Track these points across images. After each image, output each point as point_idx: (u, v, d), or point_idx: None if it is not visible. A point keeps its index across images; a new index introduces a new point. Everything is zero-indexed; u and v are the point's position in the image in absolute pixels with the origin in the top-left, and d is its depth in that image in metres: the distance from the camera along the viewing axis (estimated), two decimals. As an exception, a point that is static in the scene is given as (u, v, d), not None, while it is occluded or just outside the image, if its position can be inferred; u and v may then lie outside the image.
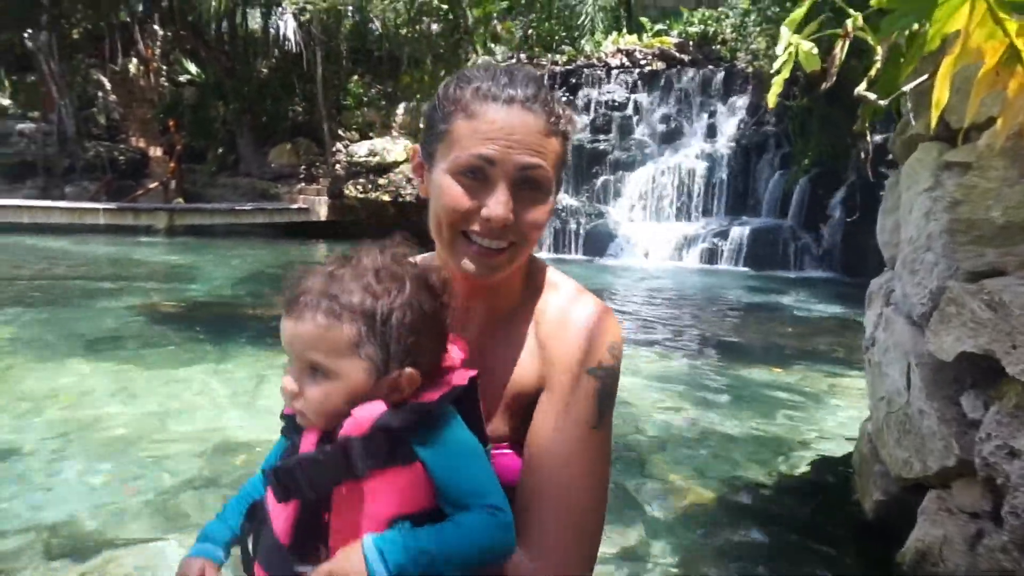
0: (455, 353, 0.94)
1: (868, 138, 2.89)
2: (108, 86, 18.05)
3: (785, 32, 2.35)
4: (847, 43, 2.41)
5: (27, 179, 15.27)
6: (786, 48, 2.41)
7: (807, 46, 2.34)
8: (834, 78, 2.40)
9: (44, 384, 4.39)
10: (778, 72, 2.41)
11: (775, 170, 12.52)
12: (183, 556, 0.97)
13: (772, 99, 2.49)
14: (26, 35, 15.65)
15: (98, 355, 5.10)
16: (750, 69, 13.60)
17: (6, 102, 16.23)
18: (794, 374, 5.32)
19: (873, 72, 2.32)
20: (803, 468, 3.48)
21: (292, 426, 0.93)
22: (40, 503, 2.88)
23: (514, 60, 15.65)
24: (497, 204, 0.89)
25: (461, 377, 0.91)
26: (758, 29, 12.66)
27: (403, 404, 0.85)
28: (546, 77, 14.88)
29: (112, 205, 13.82)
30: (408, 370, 0.85)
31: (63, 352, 5.14)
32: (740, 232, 11.71)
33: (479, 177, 0.90)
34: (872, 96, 2.37)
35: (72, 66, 16.42)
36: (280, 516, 0.85)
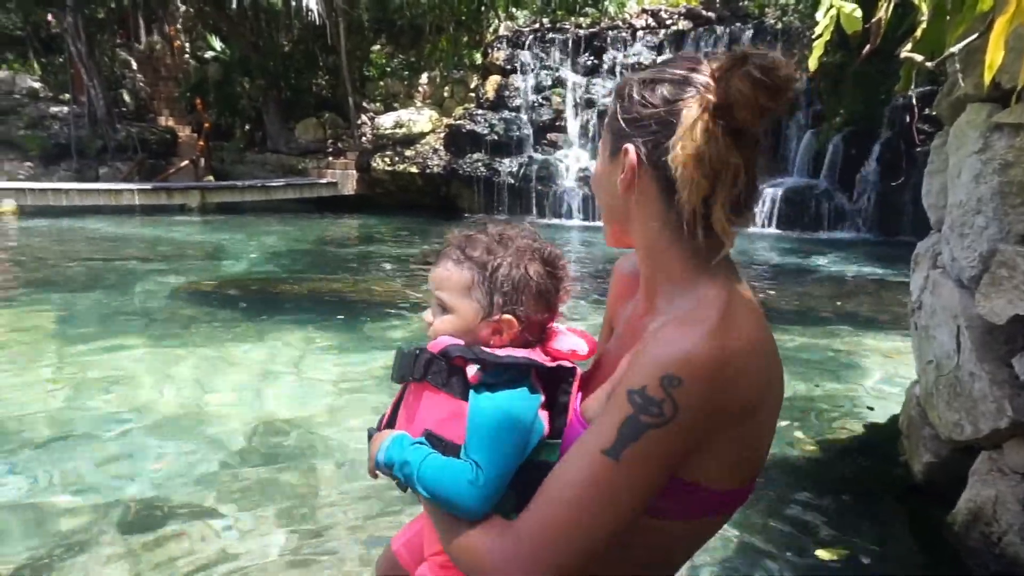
0: (572, 343, 1.03)
1: (913, 99, 2.85)
2: (134, 65, 18.20)
3: (827, -6, 2.33)
4: (891, 4, 2.37)
5: (61, 161, 15.55)
6: (827, 11, 2.39)
7: (849, 7, 2.32)
8: (878, 40, 2.37)
9: (94, 363, 4.53)
10: (819, 36, 2.39)
11: (806, 129, 12.28)
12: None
13: (813, 63, 2.47)
14: (51, 16, 15.83)
15: (144, 334, 5.24)
16: (779, 25, 13.27)
17: (37, 85, 16.45)
18: (830, 337, 5.30)
19: (919, 32, 2.29)
20: (846, 432, 3.50)
21: None
22: (99, 478, 3.00)
23: (536, 24, 15.45)
24: None
25: (551, 360, 1.00)
26: (788, -17, 12.34)
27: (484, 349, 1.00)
28: (569, 41, 14.67)
29: (147, 185, 14.04)
30: (506, 316, 1.00)
31: (111, 332, 5.29)
32: (771, 193, 11.55)
33: None
34: (919, 57, 2.34)
35: (98, 46, 16.55)
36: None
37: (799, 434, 3.44)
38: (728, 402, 0.85)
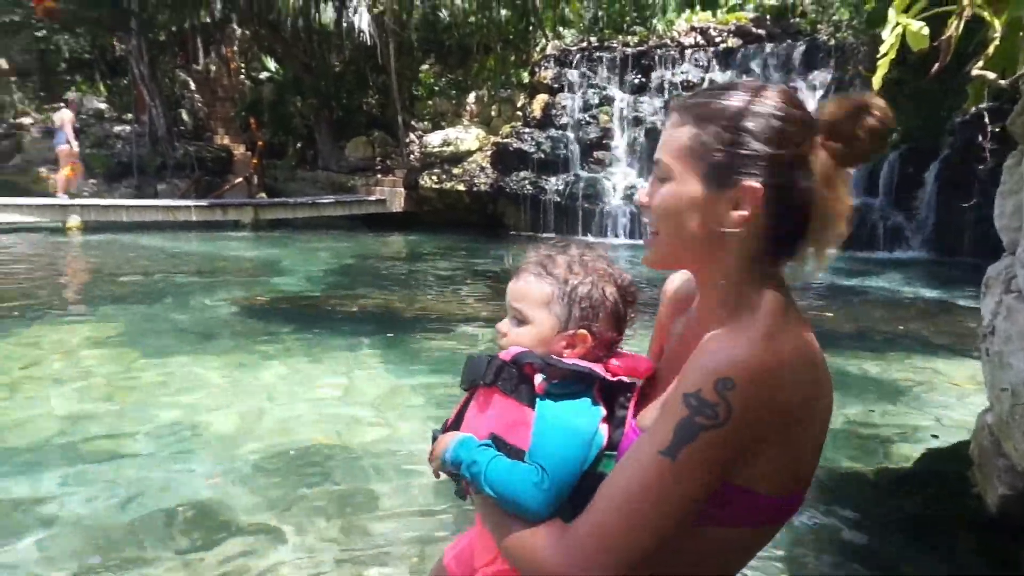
0: (632, 362, 1.08)
1: (985, 117, 2.76)
2: (193, 86, 18.85)
3: (892, 12, 2.27)
4: (963, 21, 2.31)
5: (123, 179, 16.15)
6: (892, 28, 2.33)
7: (916, 25, 2.26)
8: (948, 58, 2.31)
9: (150, 377, 4.65)
10: (884, 55, 2.33)
11: (860, 146, 12.01)
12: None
13: (877, 81, 2.40)
14: (117, 40, 16.53)
15: (200, 348, 5.37)
16: (832, 42, 13.05)
17: (103, 105, 17.16)
18: (889, 360, 5.14)
19: (991, 49, 2.22)
20: (910, 461, 3.38)
21: None
22: (153, 491, 3.05)
23: (583, 43, 15.51)
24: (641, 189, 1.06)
25: (612, 374, 1.04)
26: (840, -1, 12.12)
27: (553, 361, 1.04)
28: (617, 59, 14.68)
29: (203, 202, 14.46)
30: (581, 331, 1.06)
31: (168, 346, 5.44)
32: (825, 212, 11.30)
33: None
34: (991, 75, 2.27)
35: (160, 68, 17.20)
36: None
37: (860, 462, 3.33)
38: (780, 406, 0.88)
